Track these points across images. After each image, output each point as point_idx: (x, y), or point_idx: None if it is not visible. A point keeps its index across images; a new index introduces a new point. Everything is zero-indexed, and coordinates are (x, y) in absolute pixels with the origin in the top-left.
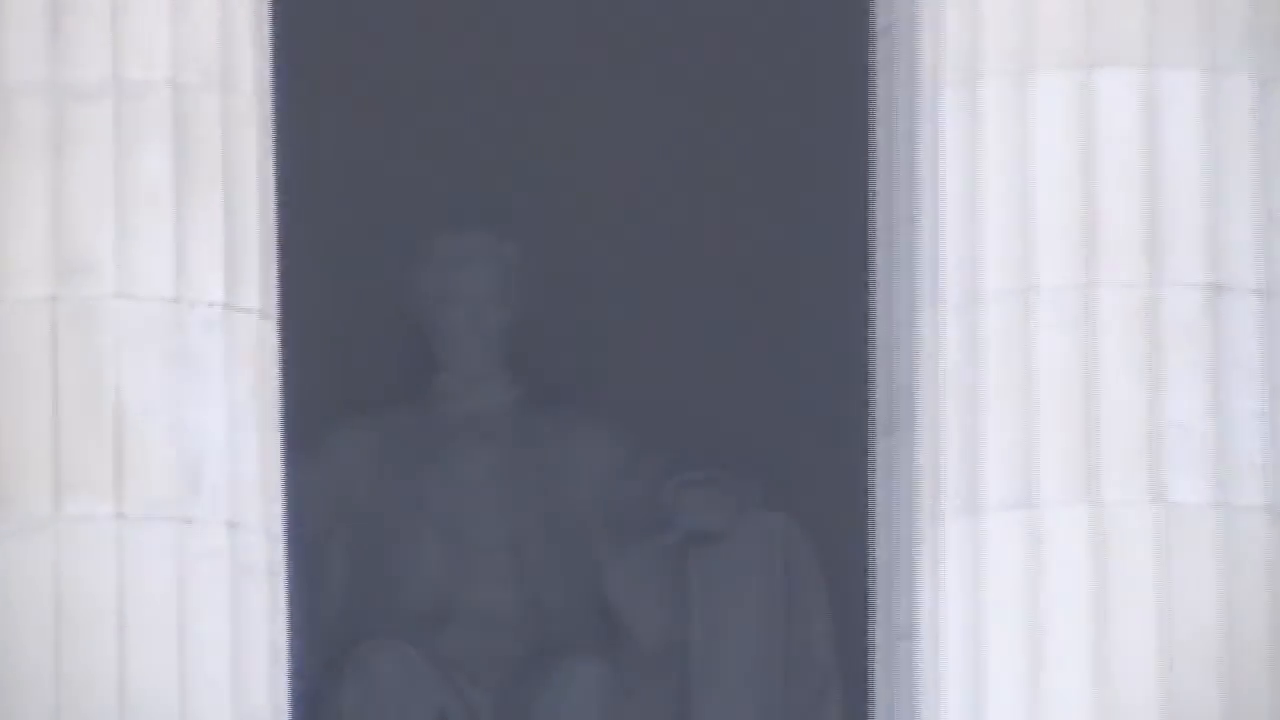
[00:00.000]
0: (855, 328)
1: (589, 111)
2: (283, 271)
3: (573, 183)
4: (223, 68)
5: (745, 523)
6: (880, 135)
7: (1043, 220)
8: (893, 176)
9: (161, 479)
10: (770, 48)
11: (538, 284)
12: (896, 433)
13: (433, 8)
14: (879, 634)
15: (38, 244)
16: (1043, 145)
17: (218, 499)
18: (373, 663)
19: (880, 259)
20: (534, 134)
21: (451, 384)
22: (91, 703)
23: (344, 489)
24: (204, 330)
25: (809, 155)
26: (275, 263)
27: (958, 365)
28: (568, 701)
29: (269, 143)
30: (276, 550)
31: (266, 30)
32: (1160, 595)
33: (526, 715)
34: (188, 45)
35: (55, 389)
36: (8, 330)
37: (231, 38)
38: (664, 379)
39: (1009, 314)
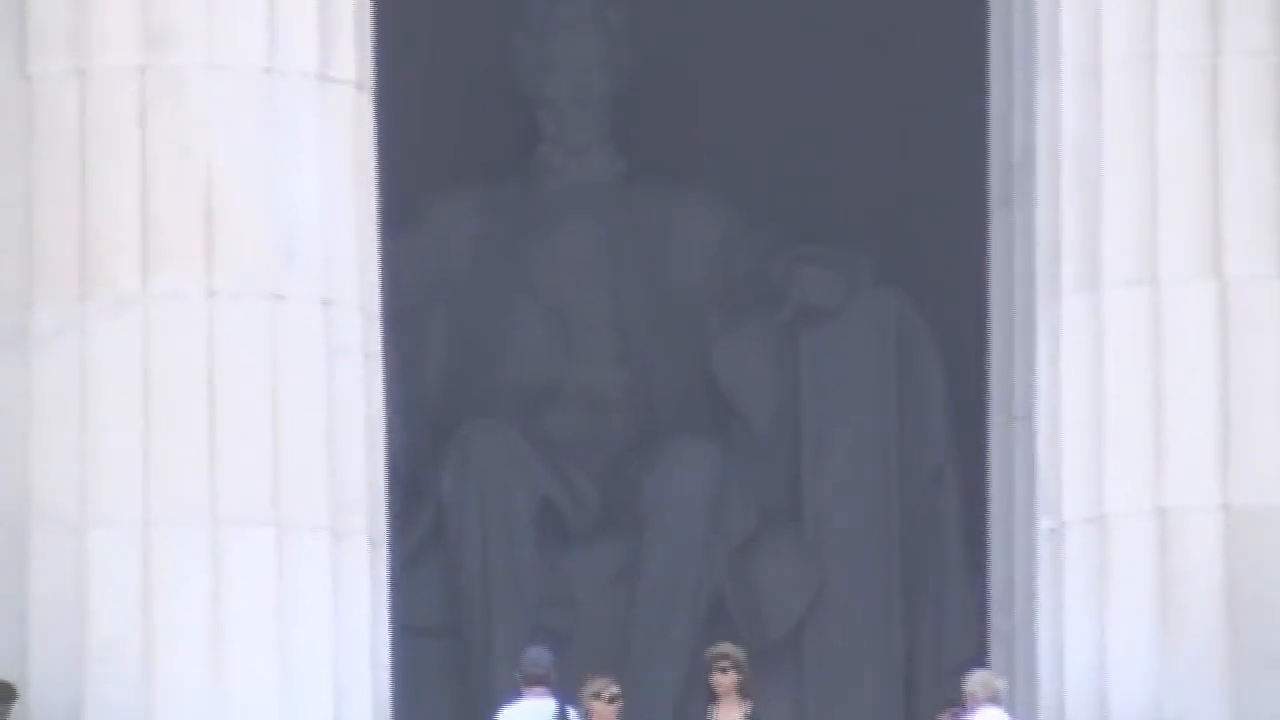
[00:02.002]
0: (970, 94)
1: None
2: (379, 40)
3: None
4: None
5: (858, 299)
6: None
7: None
8: None
9: (253, 254)
10: None
11: (644, 54)
12: (1013, 205)
13: None
14: (995, 414)
15: (125, 10)
16: None
17: (312, 275)
18: (473, 445)
19: (996, 20)
20: None
21: (555, 156)
22: (182, 484)
23: (443, 264)
24: (298, 101)
25: None
26: (371, 31)
27: (1078, 134)
28: (676, 484)
29: None
30: (373, 329)
31: None
32: None
33: (634, 499)
34: None
35: (143, 161)
36: (95, 101)
37: None
38: (774, 151)
39: (1133, 80)
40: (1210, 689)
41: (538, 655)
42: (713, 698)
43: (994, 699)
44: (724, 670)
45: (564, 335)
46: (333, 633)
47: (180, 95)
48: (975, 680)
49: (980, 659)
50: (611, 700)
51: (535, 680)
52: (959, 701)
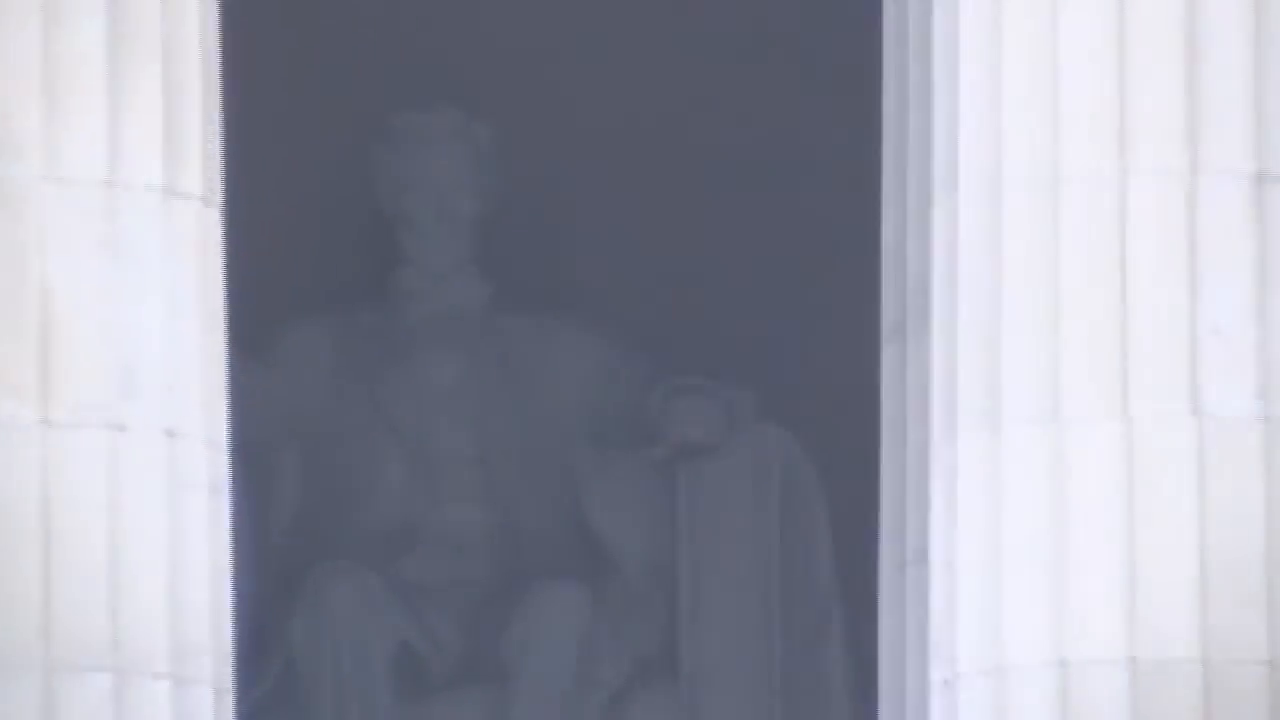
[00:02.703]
0: (861, 218)
1: None
2: (229, 153)
3: (550, 67)
4: None
5: (739, 435)
6: (890, 4)
7: (1069, 103)
8: (904, 47)
9: (92, 381)
10: None
11: (513, 173)
12: (907, 337)
13: None
14: (885, 559)
15: None
16: (1069, 20)
17: (155, 404)
18: (328, 589)
19: (889, 140)
20: (506, 10)
21: (416, 280)
22: (12, 626)
23: (297, 395)
24: (140, 218)
25: (810, 31)
26: (220, 144)
27: (975, 262)
28: (543, 631)
29: (213, 13)
30: (220, 462)
31: None
32: (1198, 518)
33: (497, 646)
34: None
35: None
36: None
37: None
38: (651, 280)
39: (1034, 205)
40: None
41: None
42: None
43: None
44: None
45: (425, 473)
46: None
47: (15, 208)
48: None
49: None
50: None
51: None
52: None
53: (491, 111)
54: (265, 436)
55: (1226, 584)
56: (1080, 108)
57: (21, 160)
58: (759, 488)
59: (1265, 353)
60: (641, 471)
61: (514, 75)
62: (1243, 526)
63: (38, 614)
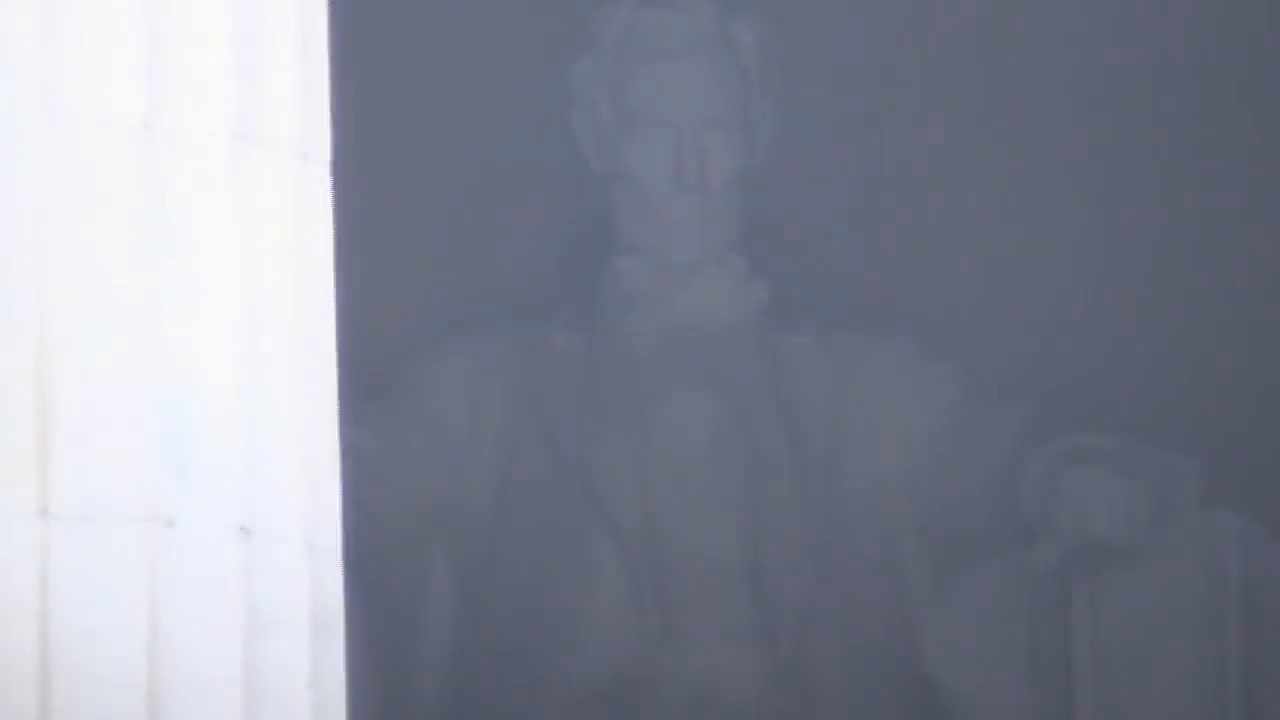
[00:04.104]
0: None
1: None
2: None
3: None
4: None
5: (1173, 529)
6: None
7: None
8: None
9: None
10: None
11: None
12: None
13: None
14: None
15: None
16: None
17: (217, 486)
18: None
19: None
20: None
21: (644, 277)
22: None
23: (446, 464)
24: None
25: None
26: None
27: None
28: None
29: None
30: (329, 576)
31: None
32: None
33: None
34: None
35: None
36: None
37: None
38: (1013, 280)
39: None
40: None
41: None
42: None
43: None
44: None
45: (660, 593)
46: None
47: None
48: None
49: None
50: None
51: None
52: None
53: (770, 11)
54: (395, 531)
55: None
56: None
57: None
58: (1206, 608)
59: None
60: (1015, 586)
61: None
62: None
63: None
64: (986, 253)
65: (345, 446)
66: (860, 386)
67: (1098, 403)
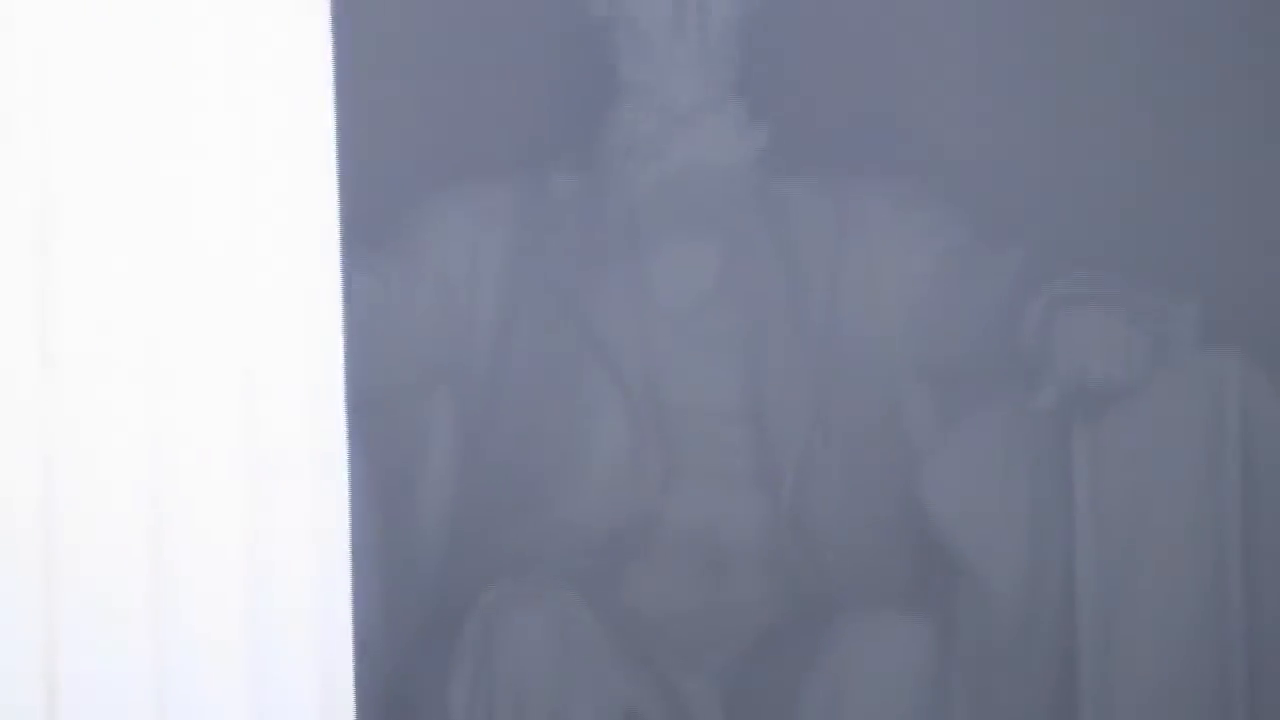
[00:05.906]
0: None
1: None
2: None
3: None
4: None
5: (1171, 369)
6: None
7: None
8: None
9: None
10: None
11: None
12: None
13: None
14: None
15: None
16: None
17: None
18: (509, 627)
19: None
20: None
21: (643, 122)
22: None
23: (445, 312)
24: None
25: None
26: None
27: None
28: (859, 688)
29: None
30: (329, 422)
31: None
32: None
33: (783, 713)
34: None
35: None
36: None
37: None
38: (1015, 121)
39: None
40: None
41: None
42: None
43: None
44: None
45: (661, 439)
46: None
47: None
48: None
49: None
50: None
51: None
52: None
53: None
54: (397, 375)
55: None
56: None
57: None
58: (1205, 448)
59: None
60: (1016, 430)
61: None
62: None
63: None
64: (988, 93)
65: (346, 293)
66: (861, 229)
67: (1098, 244)
